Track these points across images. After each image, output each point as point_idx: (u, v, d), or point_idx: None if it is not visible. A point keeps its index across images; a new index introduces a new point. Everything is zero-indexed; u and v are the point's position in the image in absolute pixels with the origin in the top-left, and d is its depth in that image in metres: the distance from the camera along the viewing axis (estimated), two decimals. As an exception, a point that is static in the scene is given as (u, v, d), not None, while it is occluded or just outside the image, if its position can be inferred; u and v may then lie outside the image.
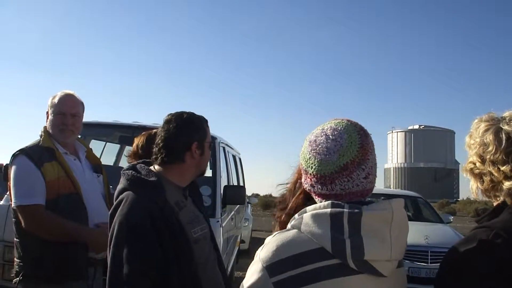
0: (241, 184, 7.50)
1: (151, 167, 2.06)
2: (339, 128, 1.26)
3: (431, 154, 45.36)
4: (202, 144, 2.09)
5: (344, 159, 1.22)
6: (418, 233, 7.40)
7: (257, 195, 29.66)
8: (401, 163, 54.06)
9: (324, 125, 1.30)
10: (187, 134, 2.06)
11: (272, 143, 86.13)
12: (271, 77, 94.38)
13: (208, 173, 4.38)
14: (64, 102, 2.78)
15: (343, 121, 1.29)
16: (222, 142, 5.30)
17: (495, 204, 1.45)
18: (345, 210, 1.18)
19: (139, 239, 1.82)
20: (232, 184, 5.87)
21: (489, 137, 1.44)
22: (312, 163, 1.25)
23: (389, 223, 1.20)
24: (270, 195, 30.90)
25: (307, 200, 1.44)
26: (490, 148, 1.43)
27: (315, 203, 1.26)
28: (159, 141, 2.06)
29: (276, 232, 1.26)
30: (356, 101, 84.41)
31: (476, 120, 1.53)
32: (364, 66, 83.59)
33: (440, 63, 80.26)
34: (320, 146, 1.25)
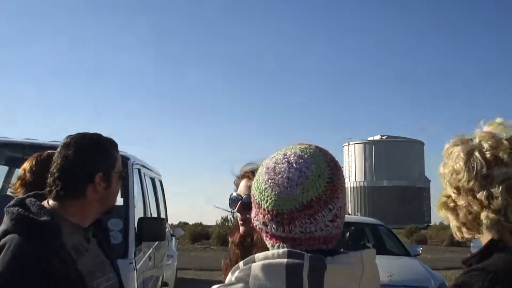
0: (162, 214, 7.62)
1: (44, 202, 2.05)
2: (306, 156, 1.26)
3: (396, 170, 46.46)
4: (108, 174, 2.10)
5: (309, 195, 1.22)
6: (380, 269, 7.55)
7: (185, 224, 29.60)
8: (359, 182, 54.01)
9: (287, 150, 1.30)
10: (89, 162, 2.07)
11: (203, 164, 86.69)
12: (199, 102, 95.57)
13: (119, 201, 4.37)
14: None
15: (311, 147, 1.30)
16: (136, 163, 5.36)
17: (481, 239, 1.58)
18: (305, 262, 1.18)
19: None
20: (150, 215, 5.96)
21: (460, 163, 1.59)
22: (267, 196, 1.25)
23: (358, 281, 1.22)
24: (200, 224, 31.07)
25: None
26: (461, 175, 1.57)
27: None
28: (54, 170, 2.05)
29: (216, 287, 1.25)
30: (303, 107, 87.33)
31: (446, 146, 1.65)
32: (316, 68, 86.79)
33: (404, 64, 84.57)
34: (280, 176, 1.25)
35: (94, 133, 2.14)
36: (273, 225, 1.24)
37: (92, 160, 2.07)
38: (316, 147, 1.31)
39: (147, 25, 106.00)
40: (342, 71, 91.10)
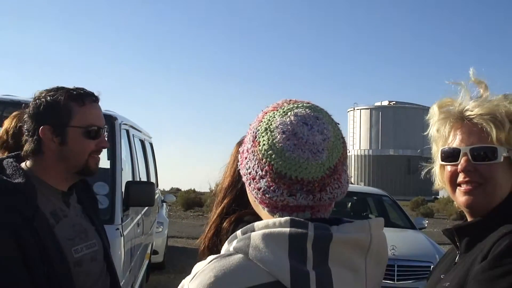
0: (152, 179, 7.61)
1: (23, 164, 2.09)
2: (320, 116, 1.25)
3: (404, 138, 46.46)
4: (61, 128, 2.07)
5: (333, 158, 1.23)
6: None
7: (177, 191, 29.40)
8: (364, 150, 54.56)
9: (293, 109, 1.26)
10: (35, 115, 2.08)
11: (200, 128, 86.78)
12: (197, 64, 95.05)
13: (105, 164, 4.40)
14: None
15: (316, 106, 1.29)
16: (125, 123, 5.40)
17: None
18: (309, 231, 1.16)
19: None
20: (138, 179, 5.99)
21: None
22: (295, 164, 1.20)
23: (365, 251, 1.22)
24: (194, 191, 31.06)
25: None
26: None
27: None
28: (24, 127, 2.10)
29: (213, 257, 1.20)
30: (307, 71, 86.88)
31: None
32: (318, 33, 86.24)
33: (414, 26, 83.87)
34: (305, 141, 1.21)
35: (59, 87, 2.13)
36: (303, 195, 1.21)
37: (37, 113, 2.07)
38: (316, 105, 1.30)
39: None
40: (348, 32, 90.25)
